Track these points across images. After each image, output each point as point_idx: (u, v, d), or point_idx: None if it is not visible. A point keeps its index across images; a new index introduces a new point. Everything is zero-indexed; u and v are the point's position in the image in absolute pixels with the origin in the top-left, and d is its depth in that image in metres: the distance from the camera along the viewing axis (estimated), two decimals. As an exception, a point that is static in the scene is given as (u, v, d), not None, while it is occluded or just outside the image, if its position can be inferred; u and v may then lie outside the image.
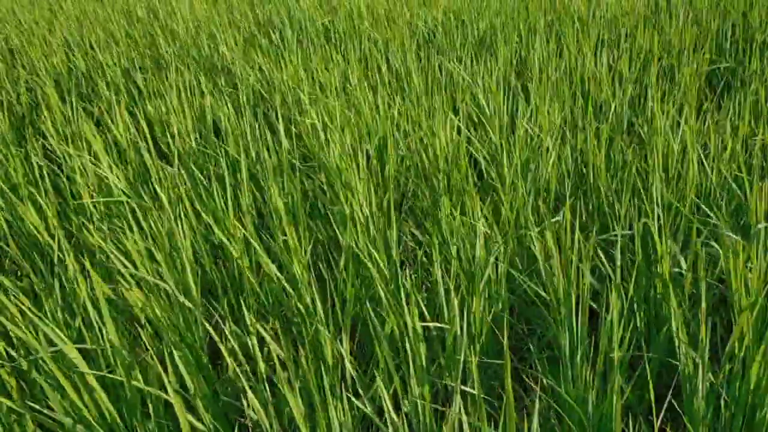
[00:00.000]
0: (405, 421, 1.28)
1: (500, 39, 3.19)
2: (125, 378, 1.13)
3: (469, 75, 2.90)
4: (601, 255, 1.49)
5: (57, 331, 1.20)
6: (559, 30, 3.75)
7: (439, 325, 1.36)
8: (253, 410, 1.19)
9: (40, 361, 1.23)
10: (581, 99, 2.58)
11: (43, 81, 3.50)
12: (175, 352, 1.15)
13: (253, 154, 2.31)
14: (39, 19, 4.79)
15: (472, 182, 2.42)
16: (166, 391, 1.51)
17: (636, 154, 2.26)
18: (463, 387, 1.32)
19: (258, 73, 3.20)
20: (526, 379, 1.57)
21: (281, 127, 2.17)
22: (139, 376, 1.16)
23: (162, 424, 1.26)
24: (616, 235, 1.82)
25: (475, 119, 2.43)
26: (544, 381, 1.54)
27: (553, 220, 1.61)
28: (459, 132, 2.54)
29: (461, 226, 1.78)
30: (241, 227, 1.78)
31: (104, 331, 1.25)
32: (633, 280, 1.35)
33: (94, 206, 1.98)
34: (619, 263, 1.29)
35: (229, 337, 1.34)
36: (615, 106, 2.56)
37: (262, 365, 1.40)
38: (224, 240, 1.56)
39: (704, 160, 1.84)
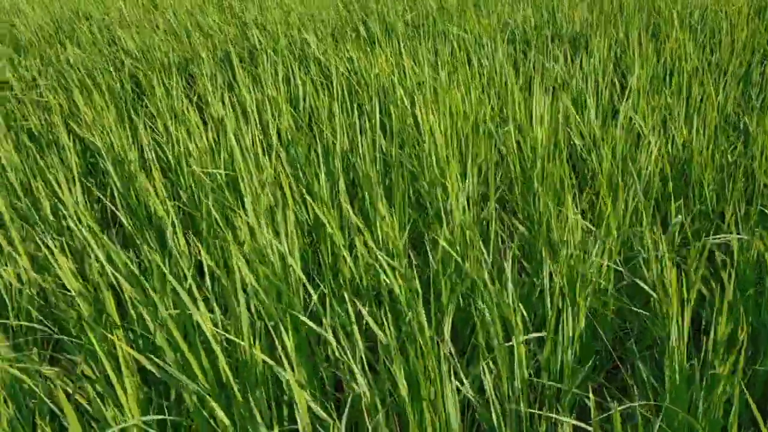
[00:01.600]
0: (505, 411, 1.27)
1: (595, 34, 3.11)
2: (248, 344, 1.17)
3: (565, 69, 2.84)
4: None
5: (181, 293, 1.25)
6: (656, 25, 3.62)
7: (539, 335, 1.34)
8: (356, 384, 1.21)
9: (158, 327, 1.29)
10: (684, 92, 2.48)
11: (144, 67, 3.67)
12: (286, 324, 1.17)
13: (347, 142, 2.34)
14: (140, 11, 5.02)
15: (569, 174, 2.37)
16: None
17: (742, 152, 2.15)
18: (554, 383, 1.30)
19: (348, 64, 3.24)
20: (627, 380, 1.52)
21: (377, 115, 2.20)
22: (257, 345, 1.19)
23: (269, 392, 1.30)
24: (726, 238, 1.73)
25: (572, 113, 2.38)
26: (646, 384, 1.49)
27: (675, 221, 1.56)
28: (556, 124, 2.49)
29: (561, 222, 1.74)
30: (333, 212, 1.80)
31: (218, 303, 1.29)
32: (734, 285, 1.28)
33: (202, 184, 2.06)
34: (729, 270, 1.23)
35: (331, 315, 1.36)
36: (719, 101, 2.45)
37: (361, 344, 1.42)
38: (322, 214, 1.59)
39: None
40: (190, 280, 1.57)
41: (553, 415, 1.12)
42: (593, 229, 1.75)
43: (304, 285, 1.62)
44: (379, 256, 1.57)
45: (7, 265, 1.78)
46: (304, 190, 1.72)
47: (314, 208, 1.58)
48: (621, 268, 1.58)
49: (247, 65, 3.60)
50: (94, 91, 2.83)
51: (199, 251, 1.98)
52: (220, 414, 1.15)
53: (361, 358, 1.51)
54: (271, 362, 1.20)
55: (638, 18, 3.60)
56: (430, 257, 1.54)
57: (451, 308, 1.46)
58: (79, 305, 1.54)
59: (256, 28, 4.20)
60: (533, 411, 1.29)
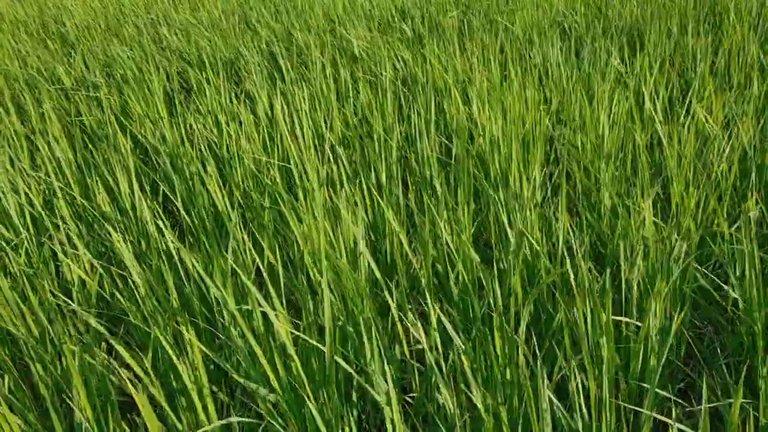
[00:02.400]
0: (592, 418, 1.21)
1: (650, 29, 3.01)
2: (329, 351, 1.13)
3: (622, 66, 2.76)
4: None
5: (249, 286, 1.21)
6: (714, 19, 3.50)
7: (628, 320, 1.27)
8: (440, 396, 1.16)
9: (233, 328, 1.26)
10: (748, 87, 2.38)
11: (192, 68, 3.67)
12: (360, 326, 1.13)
13: (400, 139, 2.30)
14: (184, 13, 5.05)
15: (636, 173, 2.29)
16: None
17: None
18: (640, 383, 1.23)
19: (396, 62, 3.20)
20: (715, 385, 1.45)
21: (432, 114, 2.15)
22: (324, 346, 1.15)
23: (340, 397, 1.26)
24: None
25: (635, 111, 2.30)
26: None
27: (750, 214, 1.48)
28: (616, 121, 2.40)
29: (632, 221, 1.67)
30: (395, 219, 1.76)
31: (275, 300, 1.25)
32: None
33: (255, 182, 2.03)
34: None
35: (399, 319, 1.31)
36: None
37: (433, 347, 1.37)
38: (388, 212, 1.54)
39: None
40: (253, 276, 1.53)
41: (655, 414, 1.05)
42: (663, 226, 1.68)
43: (375, 282, 1.58)
44: (451, 247, 1.51)
45: (70, 259, 1.77)
46: (365, 187, 1.68)
47: (380, 203, 1.54)
48: (700, 267, 1.50)
49: (294, 63, 3.59)
50: (143, 87, 2.83)
51: (262, 249, 1.95)
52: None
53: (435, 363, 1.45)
54: (358, 377, 1.16)
55: (694, 12, 3.49)
56: (500, 254, 1.48)
57: (526, 312, 1.40)
58: (141, 299, 1.52)
59: (299, 26, 4.18)
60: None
